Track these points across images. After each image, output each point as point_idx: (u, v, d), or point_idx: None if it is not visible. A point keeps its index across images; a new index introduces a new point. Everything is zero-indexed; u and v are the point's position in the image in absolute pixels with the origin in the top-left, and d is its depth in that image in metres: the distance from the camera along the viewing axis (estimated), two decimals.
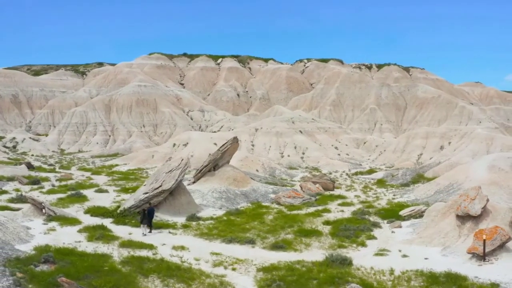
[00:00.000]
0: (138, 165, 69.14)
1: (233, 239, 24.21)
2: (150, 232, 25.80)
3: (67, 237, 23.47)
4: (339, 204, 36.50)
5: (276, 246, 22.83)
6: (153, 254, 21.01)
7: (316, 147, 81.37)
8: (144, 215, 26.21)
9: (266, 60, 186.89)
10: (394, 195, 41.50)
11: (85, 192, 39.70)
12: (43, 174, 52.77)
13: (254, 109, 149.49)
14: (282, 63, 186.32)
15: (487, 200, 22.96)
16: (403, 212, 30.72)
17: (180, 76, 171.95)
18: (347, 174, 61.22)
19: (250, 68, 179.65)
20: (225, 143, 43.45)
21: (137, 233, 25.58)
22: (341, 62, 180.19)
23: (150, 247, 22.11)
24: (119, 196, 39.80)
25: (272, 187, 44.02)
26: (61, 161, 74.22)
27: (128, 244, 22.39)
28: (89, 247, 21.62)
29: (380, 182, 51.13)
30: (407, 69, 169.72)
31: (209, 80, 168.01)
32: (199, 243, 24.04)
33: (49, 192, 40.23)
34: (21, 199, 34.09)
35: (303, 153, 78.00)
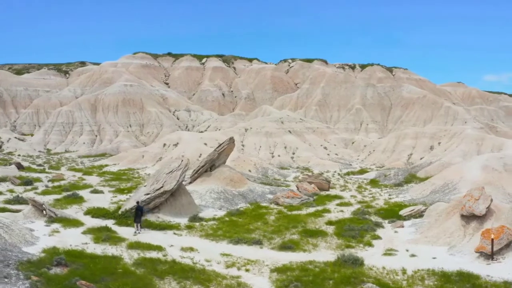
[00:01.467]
0: (129, 165, 68.53)
1: (240, 240, 24.24)
2: (139, 231, 25.93)
3: (72, 239, 23.23)
4: (337, 204, 36.77)
5: (284, 247, 22.93)
6: (163, 255, 20.94)
7: (306, 147, 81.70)
8: (137, 214, 26.41)
9: (250, 60, 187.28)
10: (389, 195, 41.96)
11: (80, 193, 39.25)
12: (34, 175, 52.00)
13: (239, 109, 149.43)
14: (266, 63, 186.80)
15: (491, 200, 23.42)
16: (403, 212, 31.12)
17: (165, 76, 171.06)
18: (339, 174, 61.62)
19: (234, 68, 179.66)
20: (222, 144, 43.43)
21: (141, 234, 25.50)
22: (325, 62, 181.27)
23: (159, 248, 22.02)
24: (116, 197, 39.49)
25: (269, 187, 44.12)
26: (49, 161, 73.17)
27: (136, 245, 22.28)
28: (97, 249, 21.45)
29: (373, 182, 51.61)
30: (390, 69, 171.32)
31: (194, 79, 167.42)
32: (207, 244, 24.01)
33: (44, 193, 39.67)
34: (18, 200, 33.64)
35: (293, 153, 78.25)
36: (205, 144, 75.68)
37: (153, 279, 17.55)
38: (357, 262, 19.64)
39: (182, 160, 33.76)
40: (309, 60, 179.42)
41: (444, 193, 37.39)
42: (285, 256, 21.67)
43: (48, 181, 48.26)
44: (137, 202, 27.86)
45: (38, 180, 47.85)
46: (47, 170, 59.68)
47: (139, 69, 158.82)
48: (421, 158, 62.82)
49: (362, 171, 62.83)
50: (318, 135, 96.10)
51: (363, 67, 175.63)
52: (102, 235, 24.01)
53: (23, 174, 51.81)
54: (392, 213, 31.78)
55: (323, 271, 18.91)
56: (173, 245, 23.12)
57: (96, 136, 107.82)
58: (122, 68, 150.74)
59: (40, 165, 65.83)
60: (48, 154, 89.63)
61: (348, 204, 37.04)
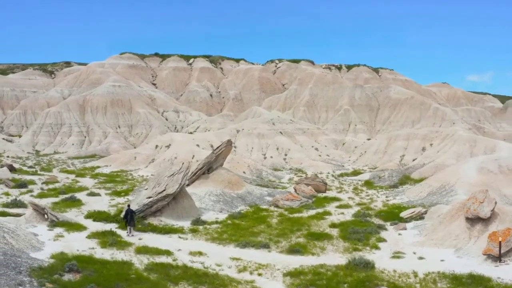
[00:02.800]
0: (121, 167, 68.05)
1: (247, 243, 24.22)
2: (129, 232, 25.96)
3: (78, 244, 22.99)
4: (337, 207, 36.96)
5: (292, 250, 22.98)
6: (173, 260, 20.83)
7: (298, 148, 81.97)
8: (132, 216, 26.32)
9: (237, 60, 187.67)
10: (386, 197, 42.28)
11: (77, 195, 38.82)
12: (27, 177, 51.34)
13: (227, 110, 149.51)
14: (253, 64, 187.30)
15: (495, 203, 23.74)
16: (404, 214, 31.38)
17: (152, 76, 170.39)
18: (332, 175, 61.88)
19: (222, 68, 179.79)
20: (220, 146, 43.38)
21: (147, 239, 25.32)
22: (312, 62, 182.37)
23: (168, 253, 21.90)
24: (113, 199, 39.19)
25: (266, 189, 44.18)
26: (39, 163, 72.29)
27: (144, 250, 22.14)
28: (106, 254, 21.27)
29: (368, 184, 51.97)
30: (376, 70, 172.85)
31: (181, 80, 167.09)
32: (214, 248, 23.95)
33: (40, 196, 39.24)
34: (16, 203, 33.22)
35: (286, 155, 78.44)
36: (198, 145, 75.53)
37: (167, 284, 17.46)
38: (369, 265, 19.76)
39: (183, 163, 33.60)
40: (296, 61, 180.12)
41: (441, 195, 37.78)
42: (294, 259, 21.72)
43: (42, 183, 47.74)
44: (128, 206, 27.79)
45: (32, 182, 47.27)
46: (39, 172, 58.98)
47: (126, 70, 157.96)
48: (413, 160, 63.41)
49: (356, 173, 63.22)
50: (309, 136, 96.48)
51: (349, 67, 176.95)
52: (108, 239, 23.80)
53: (16, 176, 51.14)
54: (393, 215, 32.02)
55: (336, 274, 18.99)
56: (181, 249, 23.01)
57: (85, 137, 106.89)
58: (110, 69, 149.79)
59: (31, 166, 65.02)
60: (37, 155, 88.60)
61: (347, 206, 37.24)
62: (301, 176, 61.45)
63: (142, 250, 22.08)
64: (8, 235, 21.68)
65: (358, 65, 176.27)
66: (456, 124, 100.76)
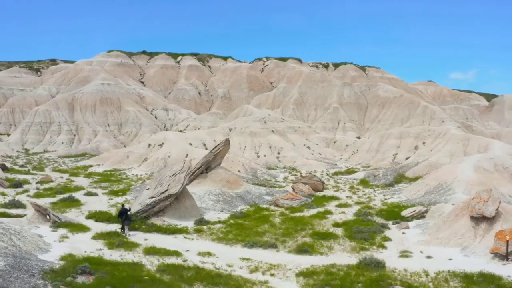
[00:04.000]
0: (113, 166, 67.50)
1: (255, 243, 24.25)
2: (123, 232, 25.94)
3: (85, 245, 22.78)
4: (337, 206, 37.14)
5: (301, 250, 23.06)
6: (183, 261, 20.75)
7: (291, 147, 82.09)
8: (127, 216, 26.28)
9: (225, 59, 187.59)
10: (384, 196, 42.58)
11: (75, 195, 38.46)
12: (20, 176, 50.73)
13: (216, 108, 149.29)
14: (241, 62, 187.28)
15: (500, 202, 24.05)
16: (405, 213, 31.65)
17: (140, 74, 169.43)
18: (327, 174, 62.11)
19: (210, 67, 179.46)
20: (218, 145, 43.28)
21: (153, 239, 25.19)
22: (300, 61, 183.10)
23: (177, 254, 21.81)
24: (112, 199, 38.91)
25: (265, 188, 44.21)
26: (30, 162, 71.41)
27: (153, 251, 22.02)
28: (114, 255, 21.11)
29: (364, 182, 52.28)
30: (363, 68, 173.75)
31: (169, 78, 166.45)
32: (221, 248, 23.92)
33: (37, 196, 38.80)
34: (15, 204, 32.84)
35: (279, 153, 78.50)
36: (190, 144, 75.24)
37: (182, 286, 17.40)
38: (379, 265, 19.91)
39: (184, 163, 33.48)
40: (284, 59, 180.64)
41: (439, 193, 38.18)
42: (304, 259, 21.79)
43: (37, 183, 47.21)
44: (122, 205, 27.61)
45: (26, 182, 46.75)
46: (31, 171, 58.28)
47: (114, 68, 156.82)
48: (406, 158, 63.95)
49: (350, 171, 63.54)
50: (300, 135, 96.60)
51: (336, 65, 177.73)
52: (115, 240, 23.65)
53: (9, 175, 50.49)
54: (394, 214, 32.28)
55: (348, 274, 19.10)
56: (189, 250, 22.93)
57: (75, 135, 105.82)
58: (98, 67, 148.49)
59: (22, 165, 64.24)
60: (26, 154, 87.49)
61: (347, 205, 37.44)
62: (296, 175, 61.60)
63: (151, 251, 21.96)
64: (14, 237, 21.40)
65: (345, 63, 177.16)
66: (445, 122, 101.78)
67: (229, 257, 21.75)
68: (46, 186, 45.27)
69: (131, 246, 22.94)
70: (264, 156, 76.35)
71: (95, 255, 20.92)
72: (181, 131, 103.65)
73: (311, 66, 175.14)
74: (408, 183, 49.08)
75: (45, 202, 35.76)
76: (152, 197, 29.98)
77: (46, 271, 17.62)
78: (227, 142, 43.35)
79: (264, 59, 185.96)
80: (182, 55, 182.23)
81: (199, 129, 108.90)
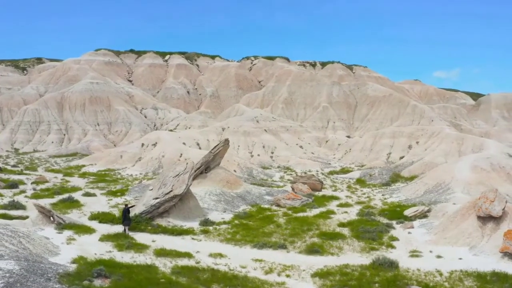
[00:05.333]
0: (107, 165, 66.91)
1: (264, 244, 24.22)
2: (125, 231, 25.91)
3: (93, 247, 22.57)
4: (338, 205, 37.27)
5: (311, 251, 23.09)
6: (196, 262, 20.68)
7: (284, 146, 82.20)
8: (126, 216, 26.23)
9: (212, 57, 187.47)
10: (383, 195, 42.84)
11: (73, 196, 38.02)
12: (14, 177, 50.05)
13: (204, 107, 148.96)
14: (228, 60, 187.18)
15: (506, 202, 24.34)
16: (408, 213, 31.88)
17: (128, 73, 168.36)
18: (322, 173, 62.28)
19: (198, 65, 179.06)
20: (217, 145, 43.16)
21: (160, 240, 25.02)
22: (288, 60, 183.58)
23: (189, 255, 21.71)
24: (111, 200, 38.56)
25: (264, 188, 44.19)
26: (21, 161, 70.48)
27: (164, 253, 21.90)
28: (126, 258, 20.94)
29: (361, 182, 52.55)
30: (350, 67, 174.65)
31: (157, 77, 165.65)
32: (231, 249, 23.83)
33: (35, 196, 38.26)
34: (15, 205, 32.35)
35: (272, 153, 78.54)
36: (184, 143, 74.88)
37: None
38: (393, 265, 20.04)
39: (188, 163, 33.30)
40: (272, 58, 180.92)
41: (438, 193, 38.53)
42: (316, 260, 21.82)
43: (32, 183, 46.61)
44: (125, 205, 27.51)
45: (21, 182, 46.11)
46: (24, 171, 57.52)
47: (102, 66, 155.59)
48: (400, 158, 64.41)
49: (345, 171, 63.79)
50: (292, 134, 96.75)
51: (323, 64, 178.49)
52: (123, 242, 23.47)
53: (2, 176, 49.77)
54: (396, 213, 32.49)
55: (363, 274, 19.19)
56: (199, 251, 22.83)
57: (65, 135, 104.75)
58: (86, 65, 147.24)
59: (14, 165, 63.36)
60: (16, 153, 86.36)
61: (348, 205, 37.59)
62: (291, 174, 61.75)
63: (162, 253, 21.83)
64: (24, 239, 21.15)
65: (332, 62, 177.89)
66: (435, 121, 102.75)
67: (241, 258, 21.70)
68: (43, 186, 44.70)
69: (140, 248, 22.78)
70: (258, 155, 76.32)
71: (106, 257, 20.71)
72: (171, 130, 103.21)
73: (298, 65, 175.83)
74: (404, 183, 49.48)
75: (44, 203, 35.31)
76: (157, 198, 29.78)
77: (61, 275, 17.37)
78: (226, 142, 43.26)
79: (252, 58, 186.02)
80: (170, 53, 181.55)
81: (189, 128, 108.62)
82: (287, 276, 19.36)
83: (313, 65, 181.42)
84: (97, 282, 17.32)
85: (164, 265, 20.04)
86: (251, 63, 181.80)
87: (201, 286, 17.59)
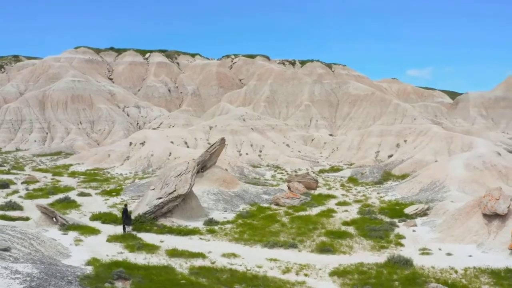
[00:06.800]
0: (95, 165, 65.98)
1: (275, 244, 24.23)
2: (124, 231, 25.90)
3: (103, 249, 22.26)
4: (337, 204, 37.48)
5: (323, 250, 23.18)
6: (212, 263, 20.55)
7: (272, 145, 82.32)
8: (127, 216, 26.26)
9: (193, 55, 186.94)
10: (378, 193, 43.28)
11: (69, 196, 37.43)
12: (2, 176, 48.94)
13: (186, 105, 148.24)
14: (208, 59, 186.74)
15: (511, 200, 24.84)
16: (408, 211, 32.31)
17: (109, 71, 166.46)
18: (312, 172, 62.55)
19: (178, 63, 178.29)
20: (213, 144, 42.96)
21: (169, 241, 24.81)
22: (268, 58, 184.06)
23: (202, 256, 21.57)
24: (108, 200, 38.11)
25: (261, 187, 44.18)
26: (6, 161, 68.95)
27: (177, 253, 21.72)
28: (139, 259, 20.68)
29: (352, 180, 52.97)
30: (329, 66, 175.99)
31: (138, 75, 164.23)
32: (242, 249, 23.76)
33: (29, 196, 37.59)
34: (12, 205, 31.70)
35: (260, 151, 78.58)
36: (172, 142, 74.35)
37: None
38: (408, 263, 20.26)
39: (189, 163, 33.06)
40: (252, 56, 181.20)
41: (433, 191, 39.12)
42: (329, 259, 21.92)
43: (22, 183, 45.70)
44: (125, 205, 27.28)
45: (11, 182, 45.16)
46: (11, 171, 56.29)
47: (83, 64, 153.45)
48: (389, 156, 65.15)
49: (335, 169, 64.21)
50: (278, 132, 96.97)
51: (303, 63, 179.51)
52: (133, 243, 23.21)
53: None
54: (397, 212, 32.88)
55: (380, 273, 19.36)
56: (211, 251, 22.70)
57: (47, 133, 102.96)
58: (66, 63, 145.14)
59: (1, 165, 61.93)
60: None
61: (347, 203, 37.85)
62: (282, 173, 61.94)
63: (175, 254, 21.64)
64: (34, 241, 20.72)
65: (312, 61, 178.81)
66: (417, 120, 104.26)
67: (254, 258, 21.64)
68: (34, 186, 43.86)
69: (151, 248, 22.55)
70: (247, 154, 76.26)
71: (119, 258, 20.43)
72: (155, 129, 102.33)
73: (278, 63, 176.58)
74: (396, 181, 50.09)
75: (40, 203, 34.69)
76: (160, 198, 29.51)
77: (81, 278, 17.09)
78: (222, 141, 43.11)
79: (233, 56, 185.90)
80: (150, 51, 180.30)
81: (173, 126, 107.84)
82: (306, 275, 19.39)
83: (293, 63, 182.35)
84: (118, 284, 17.07)
85: (180, 266, 19.87)
86: (232, 61, 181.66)
87: (223, 286, 17.49)
